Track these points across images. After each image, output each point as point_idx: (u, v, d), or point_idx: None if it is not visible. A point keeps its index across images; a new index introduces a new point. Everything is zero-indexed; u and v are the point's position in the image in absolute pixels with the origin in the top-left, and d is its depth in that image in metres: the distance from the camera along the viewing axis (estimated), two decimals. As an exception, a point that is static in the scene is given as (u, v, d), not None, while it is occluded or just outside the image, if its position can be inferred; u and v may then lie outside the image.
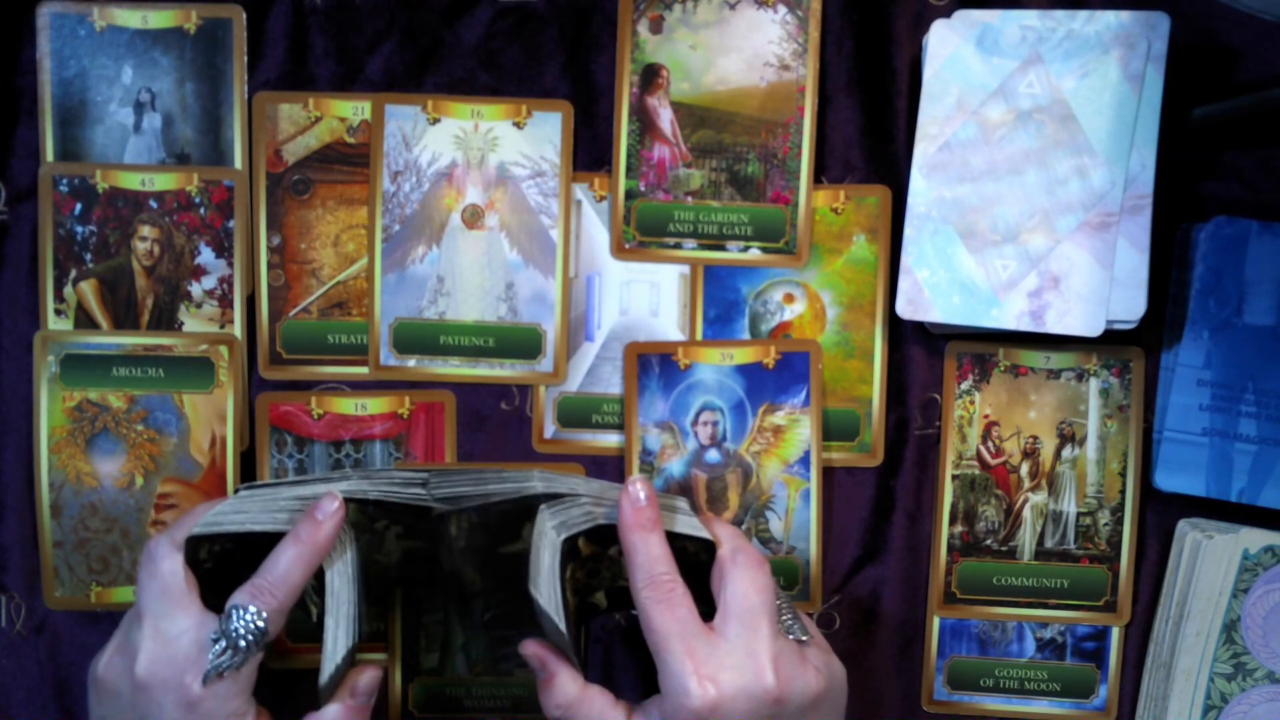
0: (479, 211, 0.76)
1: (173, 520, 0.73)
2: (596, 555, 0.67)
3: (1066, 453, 0.76)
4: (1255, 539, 0.74)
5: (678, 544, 0.64)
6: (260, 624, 0.61)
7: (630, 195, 0.76)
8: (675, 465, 0.76)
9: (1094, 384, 0.76)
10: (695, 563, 0.65)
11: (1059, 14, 0.72)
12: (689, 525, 0.65)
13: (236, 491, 0.66)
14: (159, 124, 0.75)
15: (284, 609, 0.62)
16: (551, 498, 0.64)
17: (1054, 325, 0.71)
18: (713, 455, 0.76)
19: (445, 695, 0.77)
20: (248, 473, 0.76)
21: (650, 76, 0.75)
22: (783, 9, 0.75)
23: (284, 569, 0.62)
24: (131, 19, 0.74)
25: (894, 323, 0.76)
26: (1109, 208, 0.71)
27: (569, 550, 0.64)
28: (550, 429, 0.77)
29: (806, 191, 0.75)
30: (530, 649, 0.65)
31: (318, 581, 0.65)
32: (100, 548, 0.75)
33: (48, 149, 0.74)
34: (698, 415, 0.76)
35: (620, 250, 0.76)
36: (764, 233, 0.76)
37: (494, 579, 0.70)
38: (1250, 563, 0.74)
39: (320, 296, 0.76)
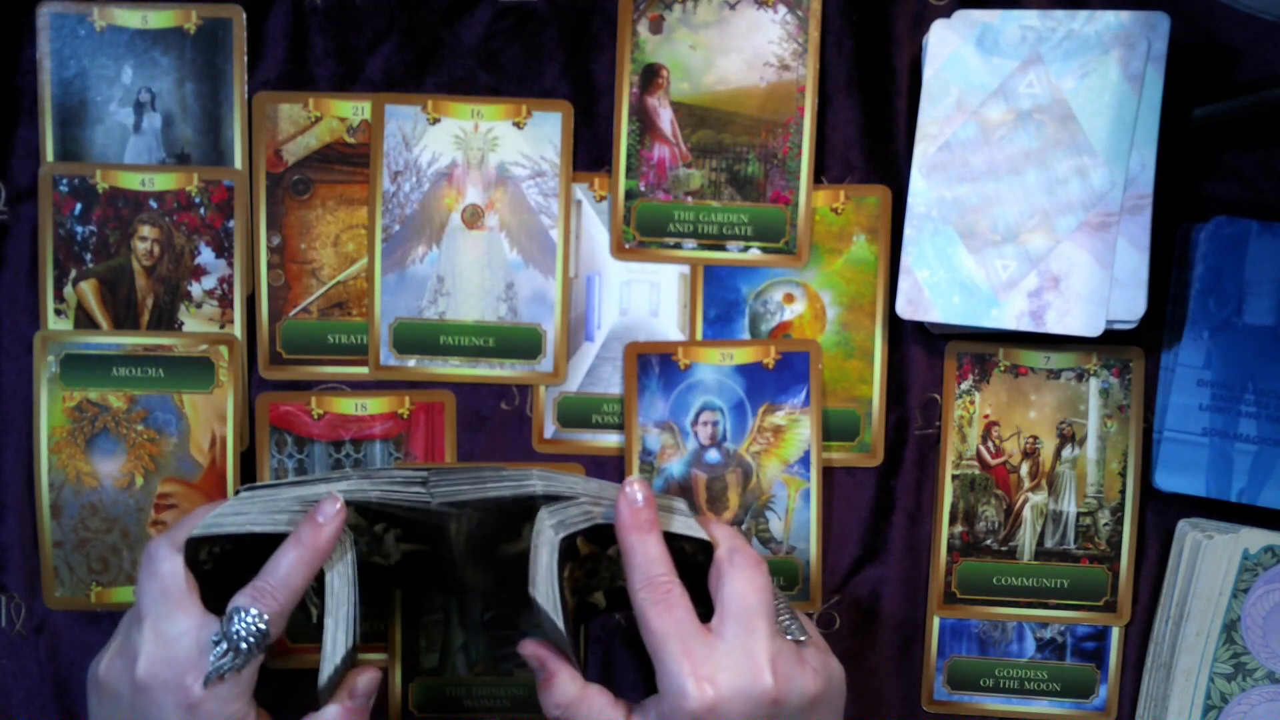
0: (479, 211, 0.76)
1: (173, 520, 0.73)
2: (595, 555, 0.67)
3: (1066, 453, 0.76)
4: (1255, 539, 0.74)
5: (675, 545, 0.64)
6: (262, 626, 0.61)
7: (630, 195, 0.76)
8: (675, 465, 0.76)
9: (1094, 384, 0.76)
10: (693, 563, 0.65)
11: (1059, 14, 0.72)
12: (686, 526, 0.65)
13: (236, 493, 0.66)
14: (159, 124, 0.75)
15: (285, 611, 0.62)
16: (551, 498, 0.64)
17: (1054, 325, 0.71)
18: (713, 455, 0.76)
19: (445, 695, 0.77)
20: (248, 473, 0.76)
21: (650, 76, 0.75)
22: (783, 9, 0.75)
23: (285, 571, 0.62)
24: (131, 19, 0.74)
25: (894, 323, 0.76)
26: (1109, 208, 0.71)
27: (567, 550, 0.64)
28: (550, 429, 0.77)
29: (806, 191, 0.75)
30: (529, 649, 0.65)
31: (317, 583, 0.65)
32: (100, 548, 0.75)
33: (48, 149, 0.74)
34: (698, 415, 0.76)
35: (620, 250, 0.76)
36: (764, 233, 0.76)
37: (494, 580, 0.70)
38: (1250, 563, 0.74)
39: (320, 296, 0.76)
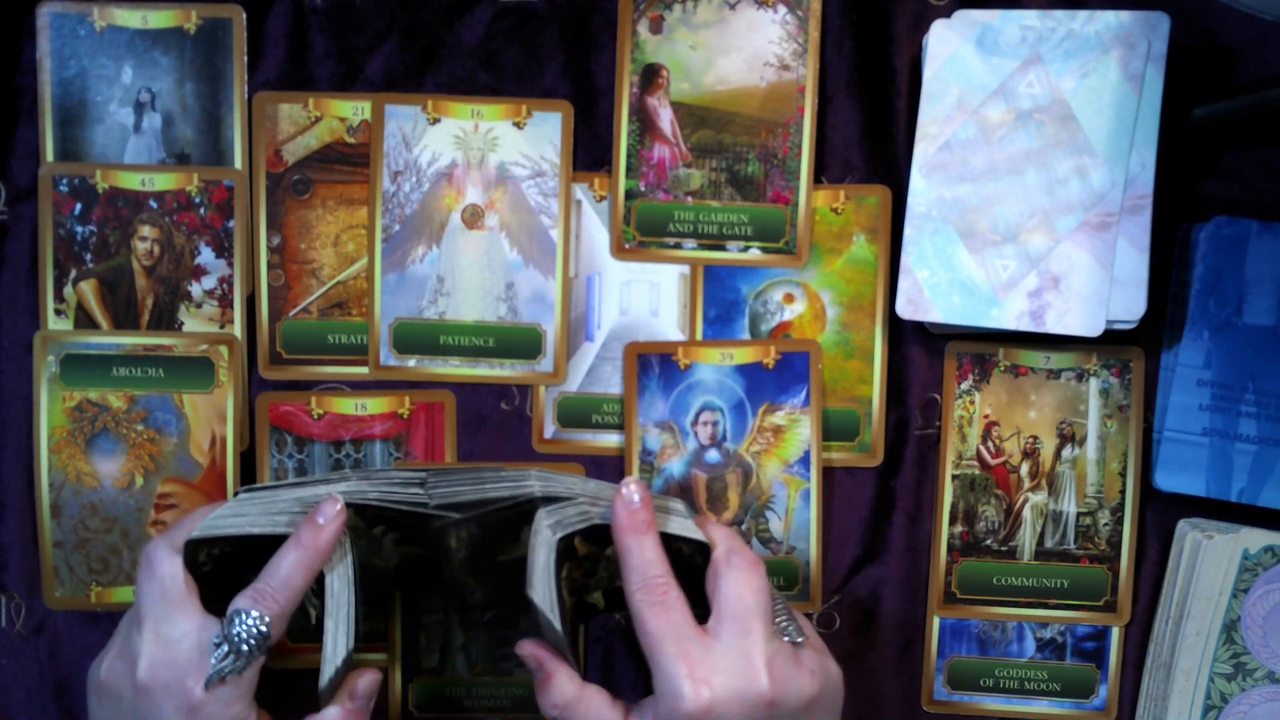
0: (479, 211, 0.76)
1: (173, 520, 0.73)
2: (593, 555, 0.67)
3: (1066, 453, 0.76)
4: (1255, 539, 0.74)
5: (672, 546, 0.64)
6: (263, 629, 0.61)
7: (630, 195, 0.76)
8: (675, 465, 0.76)
9: (1094, 384, 0.76)
10: (690, 565, 0.65)
11: (1059, 14, 0.72)
12: (683, 527, 0.65)
13: (235, 495, 0.66)
14: (159, 124, 0.75)
15: (286, 613, 0.62)
16: (549, 500, 0.64)
17: (1054, 325, 0.71)
18: (713, 455, 0.76)
19: (445, 695, 0.77)
20: (248, 473, 0.76)
21: (650, 76, 0.75)
22: (783, 9, 0.75)
23: (286, 573, 0.62)
24: (131, 19, 0.74)
25: (894, 323, 0.76)
26: (1109, 208, 0.71)
27: (565, 550, 0.64)
28: (550, 429, 0.77)
29: (806, 191, 0.75)
30: (527, 649, 0.65)
31: (317, 584, 0.65)
32: (100, 548, 0.75)
33: (48, 149, 0.74)
34: (698, 415, 0.76)
35: (620, 250, 0.76)
36: (764, 233, 0.76)
37: (494, 585, 0.70)
38: (1250, 563, 0.74)
39: (320, 296, 0.76)
